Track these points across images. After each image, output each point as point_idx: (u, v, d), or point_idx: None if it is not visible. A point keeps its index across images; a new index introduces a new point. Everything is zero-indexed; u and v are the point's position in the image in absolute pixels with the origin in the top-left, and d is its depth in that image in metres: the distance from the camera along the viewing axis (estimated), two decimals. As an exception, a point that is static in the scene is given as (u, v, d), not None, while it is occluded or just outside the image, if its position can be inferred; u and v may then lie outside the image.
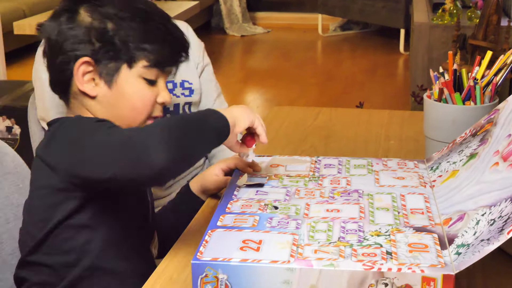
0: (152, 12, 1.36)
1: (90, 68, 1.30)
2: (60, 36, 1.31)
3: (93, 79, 1.31)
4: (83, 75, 1.30)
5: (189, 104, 1.87)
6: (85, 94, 1.32)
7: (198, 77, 1.90)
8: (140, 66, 1.31)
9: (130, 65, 1.31)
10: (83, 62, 1.29)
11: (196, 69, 1.91)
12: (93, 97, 1.32)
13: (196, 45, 1.90)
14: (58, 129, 1.28)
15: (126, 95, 1.32)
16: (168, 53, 1.35)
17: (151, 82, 1.34)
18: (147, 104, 1.34)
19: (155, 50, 1.32)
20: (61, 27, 1.31)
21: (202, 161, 1.95)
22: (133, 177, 1.11)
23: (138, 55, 1.31)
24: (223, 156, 1.80)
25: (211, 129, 1.19)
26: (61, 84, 1.34)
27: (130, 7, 1.33)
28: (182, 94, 1.85)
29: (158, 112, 1.36)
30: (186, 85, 1.86)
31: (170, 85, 1.83)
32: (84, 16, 1.30)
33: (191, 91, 1.87)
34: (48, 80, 1.37)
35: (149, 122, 1.34)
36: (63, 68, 1.31)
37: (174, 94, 1.84)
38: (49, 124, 1.34)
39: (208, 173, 1.47)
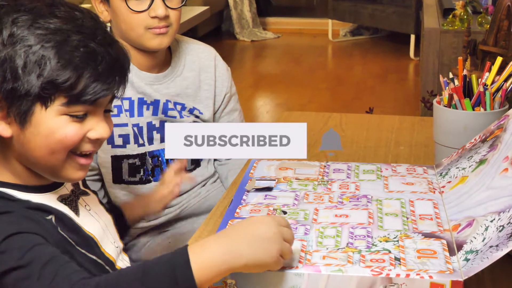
0: (69, 29, 1.02)
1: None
2: None
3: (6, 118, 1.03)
4: None
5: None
6: None
7: (211, 110, 1.76)
8: (57, 104, 1.02)
9: (44, 105, 1.02)
10: None
11: (213, 102, 1.76)
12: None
13: (224, 74, 1.79)
14: None
15: (42, 135, 1.03)
16: (95, 83, 1.01)
17: (79, 117, 1.04)
18: (68, 143, 1.04)
19: (73, 83, 1.00)
20: None
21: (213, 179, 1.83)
22: None
23: (51, 93, 1.01)
24: (235, 174, 1.64)
25: None
26: None
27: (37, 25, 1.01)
28: (188, 117, 1.73)
29: (88, 147, 1.06)
30: (196, 112, 1.74)
31: (179, 107, 1.71)
32: None
33: (197, 118, 1.74)
34: None
35: (77, 159, 1.07)
36: None
37: (181, 116, 1.72)
38: None
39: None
